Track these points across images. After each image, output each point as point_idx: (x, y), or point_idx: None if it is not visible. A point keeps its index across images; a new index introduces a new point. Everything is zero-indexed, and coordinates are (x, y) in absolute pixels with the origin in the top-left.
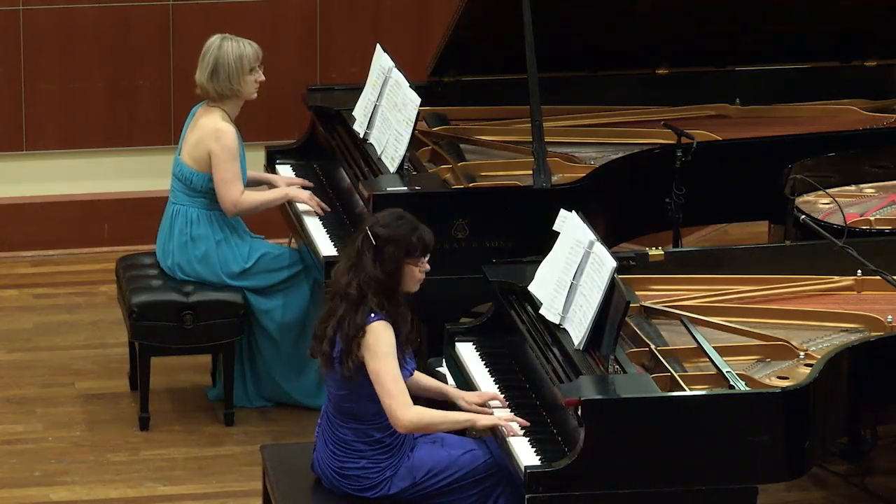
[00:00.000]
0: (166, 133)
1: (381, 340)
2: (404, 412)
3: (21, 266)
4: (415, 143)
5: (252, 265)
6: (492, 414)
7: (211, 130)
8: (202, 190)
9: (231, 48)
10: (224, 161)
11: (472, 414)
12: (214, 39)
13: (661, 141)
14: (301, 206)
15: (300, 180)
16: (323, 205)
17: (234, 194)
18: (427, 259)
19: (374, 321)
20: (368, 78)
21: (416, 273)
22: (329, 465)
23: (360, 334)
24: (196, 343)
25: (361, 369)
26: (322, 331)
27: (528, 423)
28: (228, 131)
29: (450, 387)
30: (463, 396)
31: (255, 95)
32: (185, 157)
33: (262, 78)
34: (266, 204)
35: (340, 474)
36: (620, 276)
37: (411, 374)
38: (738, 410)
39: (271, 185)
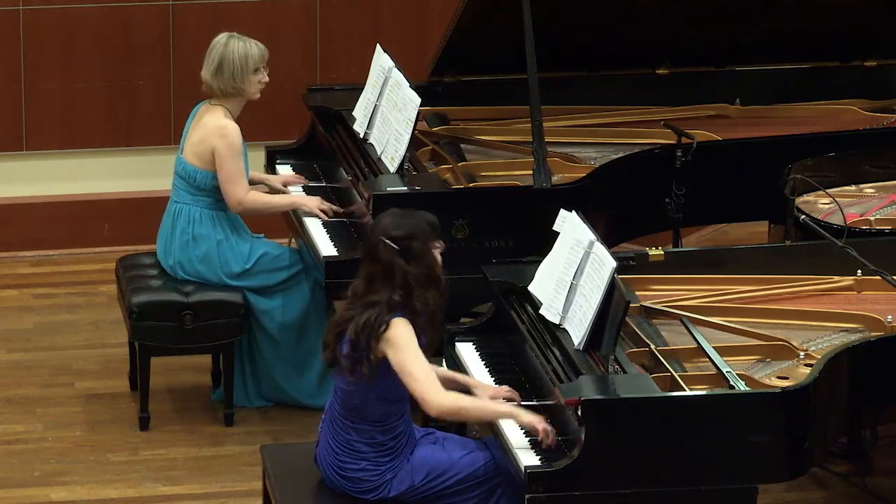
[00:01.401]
0: (166, 133)
1: (400, 333)
2: (436, 396)
3: (21, 266)
4: (415, 143)
5: (252, 265)
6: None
7: (215, 128)
8: (206, 188)
9: (237, 47)
10: (228, 159)
11: (516, 409)
12: (221, 37)
13: (661, 141)
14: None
15: (296, 177)
16: (333, 207)
17: (240, 192)
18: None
19: (394, 317)
20: (368, 78)
21: (438, 256)
22: (330, 464)
23: (383, 328)
24: (196, 343)
25: (378, 367)
26: (334, 336)
27: (560, 441)
28: (233, 129)
29: (468, 377)
30: (480, 386)
31: (258, 96)
32: (188, 155)
33: (267, 79)
34: (272, 207)
35: (340, 474)
36: (620, 276)
37: None
38: (738, 410)
39: (271, 188)
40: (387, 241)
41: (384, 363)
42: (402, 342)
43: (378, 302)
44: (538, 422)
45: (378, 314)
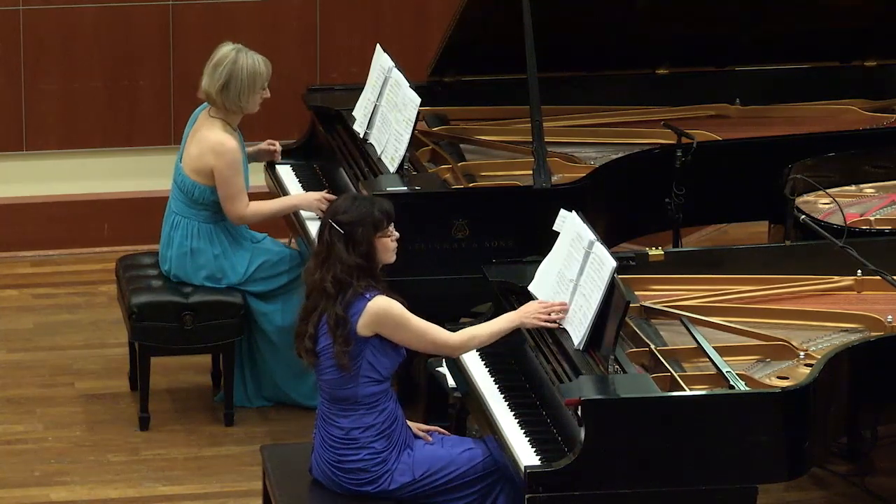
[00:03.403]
0: (166, 133)
1: (391, 310)
2: (451, 338)
3: (21, 266)
4: (415, 143)
5: (250, 275)
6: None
7: (213, 144)
8: (204, 202)
9: (246, 65)
10: (228, 177)
11: (514, 316)
12: (229, 51)
13: (661, 141)
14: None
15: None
16: (326, 199)
17: (240, 209)
18: (393, 227)
19: (371, 298)
20: (368, 78)
21: (389, 244)
22: (328, 461)
23: (346, 324)
24: (196, 343)
25: (357, 354)
26: (304, 328)
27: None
28: (230, 145)
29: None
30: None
31: (257, 110)
32: (186, 167)
33: (268, 94)
34: (273, 214)
35: (340, 468)
36: (620, 276)
37: (403, 358)
38: (738, 410)
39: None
40: (333, 223)
41: (362, 348)
42: (397, 318)
43: (324, 290)
44: (537, 316)
45: (330, 311)
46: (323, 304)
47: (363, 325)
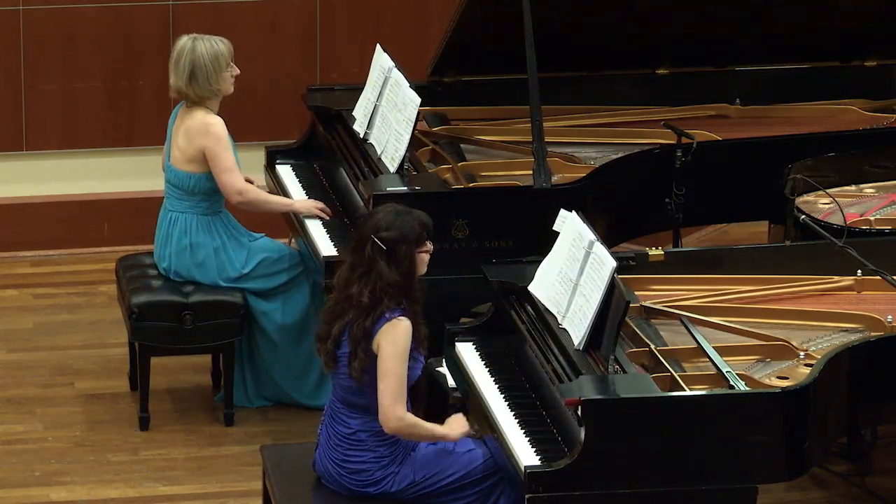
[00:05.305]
0: (166, 133)
1: (400, 339)
2: (397, 412)
3: (21, 266)
4: (415, 143)
5: (250, 271)
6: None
7: (199, 126)
8: (201, 192)
9: (205, 49)
10: (220, 151)
11: (447, 430)
12: (186, 42)
13: (661, 141)
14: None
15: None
16: (326, 209)
17: (238, 182)
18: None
19: (396, 316)
20: (368, 78)
21: (425, 257)
22: (332, 459)
23: (369, 338)
24: (196, 343)
25: (371, 369)
26: (327, 331)
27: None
28: (217, 122)
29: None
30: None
31: (232, 90)
32: (177, 161)
33: (237, 71)
34: (269, 204)
35: (343, 467)
36: (620, 276)
37: (419, 374)
38: (738, 410)
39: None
40: (376, 239)
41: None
42: (397, 347)
43: (359, 303)
44: (462, 430)
45: (359, 322)
46: (353, 313)
47: (376, 342)
